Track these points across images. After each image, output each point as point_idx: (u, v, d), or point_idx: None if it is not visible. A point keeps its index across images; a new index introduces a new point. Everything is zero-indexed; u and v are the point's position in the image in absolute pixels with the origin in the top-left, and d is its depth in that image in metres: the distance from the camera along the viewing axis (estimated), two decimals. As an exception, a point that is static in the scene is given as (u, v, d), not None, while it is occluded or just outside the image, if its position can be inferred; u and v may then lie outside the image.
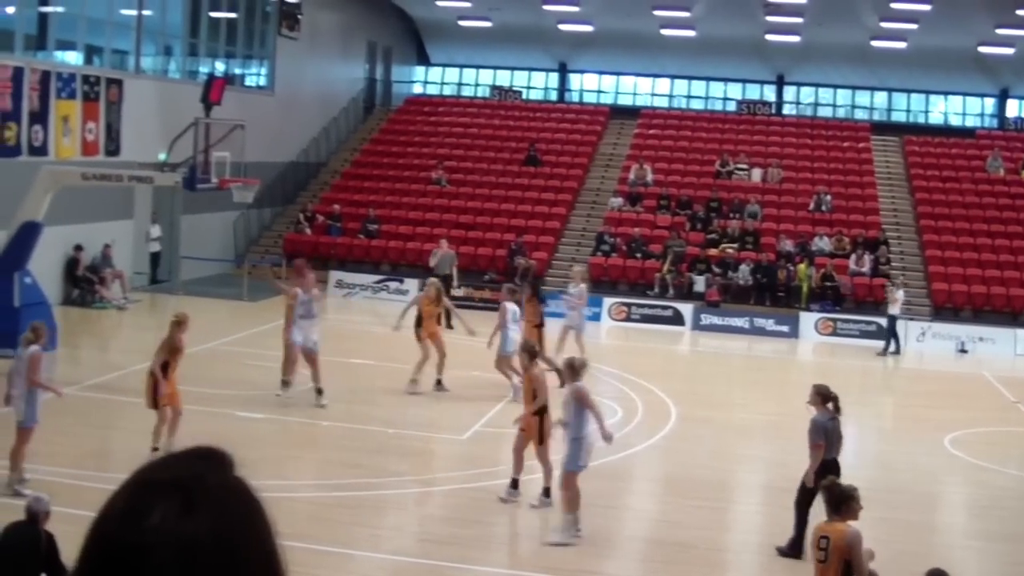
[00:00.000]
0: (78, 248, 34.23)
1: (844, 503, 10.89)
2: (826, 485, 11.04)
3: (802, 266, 39.73)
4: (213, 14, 42.02)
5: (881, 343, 35.95)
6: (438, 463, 20.06)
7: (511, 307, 24.82)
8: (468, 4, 52.90)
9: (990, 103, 59.87)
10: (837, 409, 15.71)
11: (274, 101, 45.00)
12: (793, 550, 15.37)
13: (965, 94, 59.93)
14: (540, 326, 26.05)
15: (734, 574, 15.99)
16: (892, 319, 35.92)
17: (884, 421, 27.91)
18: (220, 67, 43.57)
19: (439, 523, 16.56)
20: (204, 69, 42.08)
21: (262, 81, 46.57)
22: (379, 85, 58.15)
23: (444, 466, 19.97)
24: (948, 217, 44.03)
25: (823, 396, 15.77)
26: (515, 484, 17.29)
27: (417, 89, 61.91)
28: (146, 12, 37.46)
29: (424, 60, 63.35)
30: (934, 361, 35.92)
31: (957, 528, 18.35)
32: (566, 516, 16.06)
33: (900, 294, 36.16)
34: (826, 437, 15.43)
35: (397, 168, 47.84)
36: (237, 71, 45.61)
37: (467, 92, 61.47)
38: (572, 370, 16.45)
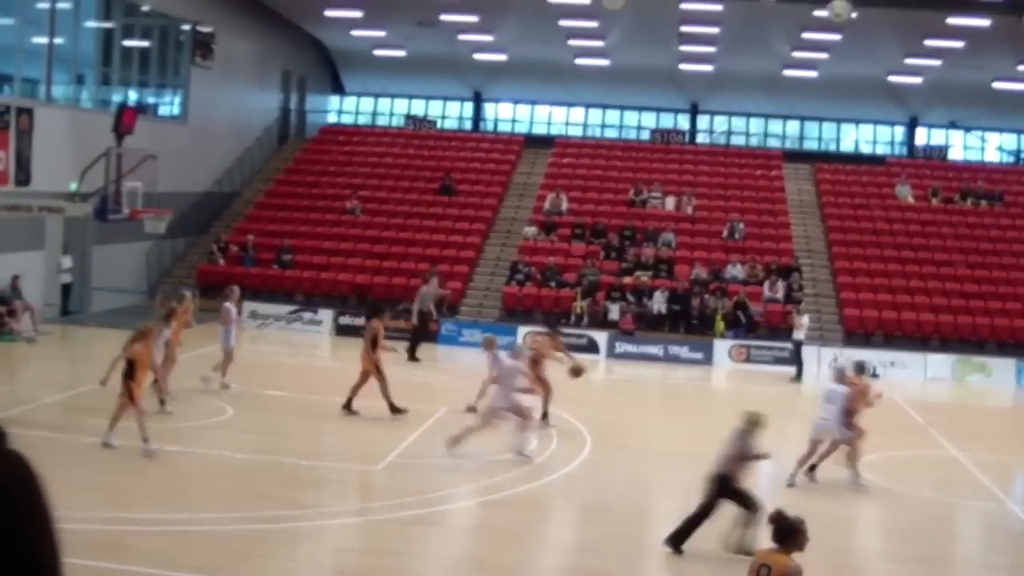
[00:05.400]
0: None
1: (791, 535, 10.79)
2: (773, 516, 10.91)
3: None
4: (126, 43, 41.72)
5: (794, 369, 36.28)
6: (353, 494, 19.92)
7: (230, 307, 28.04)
8: (383, 33, 52.87)
9: (899, 131, 60.68)
10: None
11: (187, 130, 44.68)
12: None
13: (875, 122, 60.75)
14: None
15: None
16: (797, 344, 36.36)
17: (798, 446, 28.03)
18: (133, 96, 43.22)
19: (354, 555, 16.42)
20: (117, 98, 41.69)
21: (175, 110, 46.22)
22: (293, 114, 57.93)
23: (359, 497, 19.85)
24: (859, 244, 44.53)
25: None
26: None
27: (332, 118, 61.83)
28: (57, 40, 37.07)
29: (339, 89, 63.26)
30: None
31: (874, 551, 18.45)
32: None
33: (805, 320, 36.64)
34: None
35: (311, 198, 47.70)
36: (150, 100, 45.28)
37: (382, 121, 61.48)
38: None
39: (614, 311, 40.03)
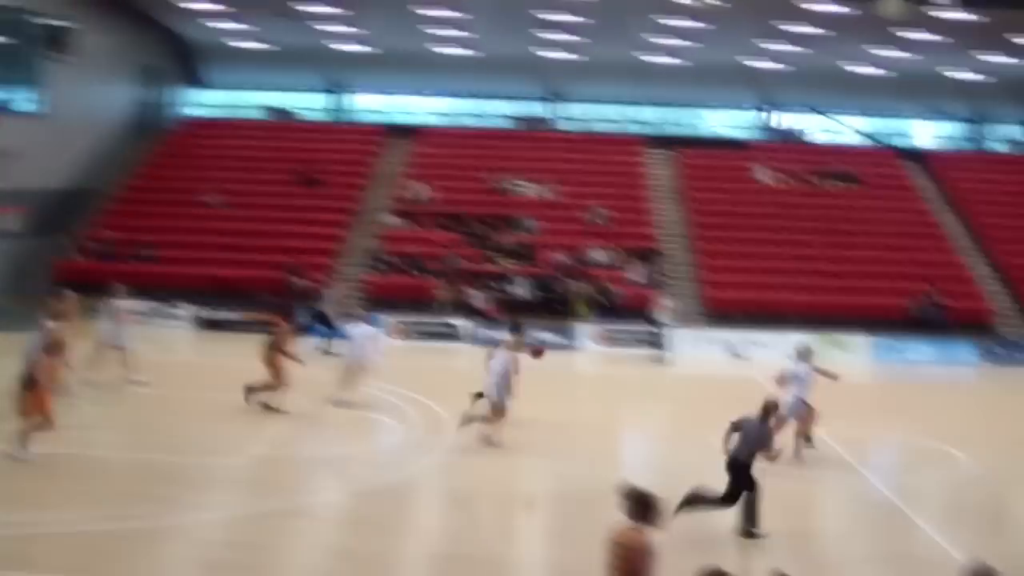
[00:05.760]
0: None
1: (645, 511, 10.72)
2: (627, 492, 10.81)
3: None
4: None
5: (657, 351, 36.80)
6: (220, 488, 19.85)
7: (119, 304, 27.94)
8: (242, 26, 52.45)
9: (759, 115, 61.44)
10: None
11: (44, 126, 43.91)
12: None
13: (735, 107, 61.42)
14: None
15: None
16: (660, 326, 36.99)
17: (660, 427, 28.47)
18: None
19: (223, 548, 16.40)
20: (-32, 95, 40.95)
21: (31, 106, 45.38)
22: (153, 108, 57.20)
23: (226, 491, 19.78)
24: (720, 226, 45.18)
25: None
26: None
27: (192, 111, 61.01)
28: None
29: (198, 82, 62.55)
30: (708, 366, 36.77)
31: (728, 524, 18.75)
32: None
33: (667, 302, 37.26)
34: None
35: (173, 192, 47.23)
36: (4, 96, 44.48)
37: (242, 114, 60.90)
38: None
39: (477, 298, 40.21)
